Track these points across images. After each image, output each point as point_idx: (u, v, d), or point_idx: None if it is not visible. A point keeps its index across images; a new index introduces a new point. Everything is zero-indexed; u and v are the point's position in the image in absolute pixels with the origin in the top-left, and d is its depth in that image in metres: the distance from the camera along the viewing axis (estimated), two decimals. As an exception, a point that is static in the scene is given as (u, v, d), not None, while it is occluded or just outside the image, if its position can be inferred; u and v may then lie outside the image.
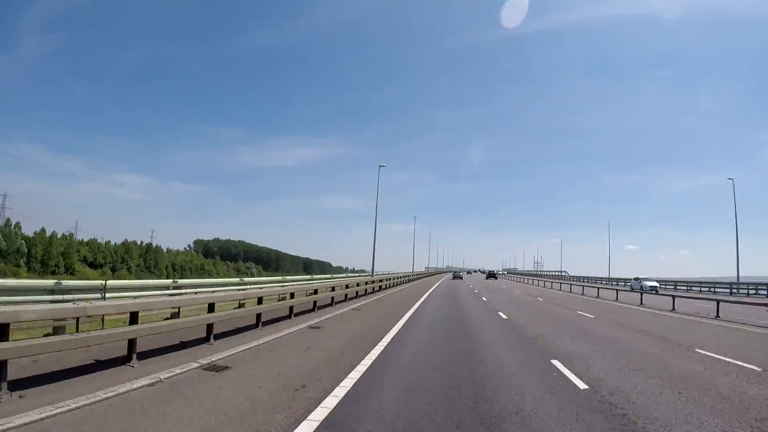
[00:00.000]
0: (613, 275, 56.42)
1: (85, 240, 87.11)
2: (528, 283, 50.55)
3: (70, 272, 70.13)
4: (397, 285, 30.31)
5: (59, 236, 78.89)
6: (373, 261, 28.01)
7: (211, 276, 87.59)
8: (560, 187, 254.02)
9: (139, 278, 54.80)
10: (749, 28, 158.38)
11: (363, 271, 27.13)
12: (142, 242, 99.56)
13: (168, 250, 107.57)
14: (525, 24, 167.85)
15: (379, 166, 24.08)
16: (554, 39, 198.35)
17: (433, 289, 29.64)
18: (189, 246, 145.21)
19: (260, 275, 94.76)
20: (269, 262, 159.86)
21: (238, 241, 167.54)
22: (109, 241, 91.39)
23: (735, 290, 29.93)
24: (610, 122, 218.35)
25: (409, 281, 38.25)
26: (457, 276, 61.77)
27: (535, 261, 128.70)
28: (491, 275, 68.90)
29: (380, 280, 24.89)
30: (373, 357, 6.41)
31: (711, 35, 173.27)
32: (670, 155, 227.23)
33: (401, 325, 10.07)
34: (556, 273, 79.67)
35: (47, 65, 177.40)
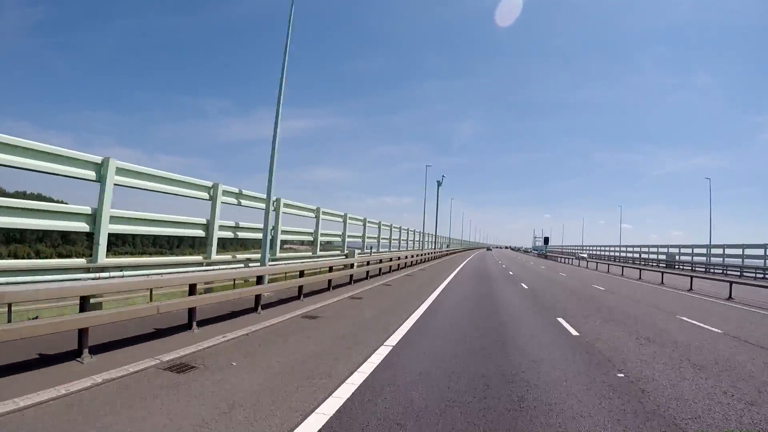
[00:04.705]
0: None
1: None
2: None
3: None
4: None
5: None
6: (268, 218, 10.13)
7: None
8: (552, 163, 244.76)
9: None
10: (754, 5, 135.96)
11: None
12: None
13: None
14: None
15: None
16: (552, 10, 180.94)
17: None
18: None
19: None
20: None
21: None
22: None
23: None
24: (605, 98, 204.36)
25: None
26: (488, 249, 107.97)
27: (535, 236, 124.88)
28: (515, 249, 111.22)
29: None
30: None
31: (714, 9, 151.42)
32: (665, 134, 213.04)
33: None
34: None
35: (30, 39, 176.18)
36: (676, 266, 34.81)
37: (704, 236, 35.48)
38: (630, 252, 49.95)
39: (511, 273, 22.79)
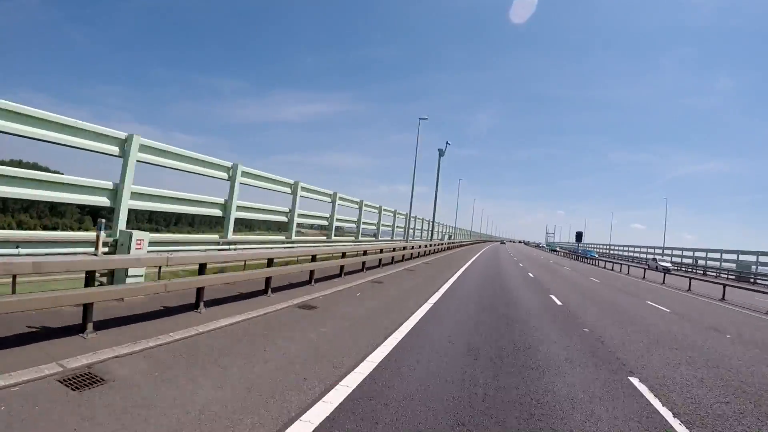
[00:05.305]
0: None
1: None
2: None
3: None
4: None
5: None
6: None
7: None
8: (567, 159, 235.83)
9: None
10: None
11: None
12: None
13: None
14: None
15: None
16: (570, 6, 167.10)
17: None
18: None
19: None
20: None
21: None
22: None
23: None
24: (624, 97, 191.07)
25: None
26: (502, 243, 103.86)
27: (548, 232, 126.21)
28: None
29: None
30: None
31: (739, 14, 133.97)
32: (682, 137, 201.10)
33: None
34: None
35: (48, 11, 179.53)
36: (752, 279, 26.62)
37: (715, 241, 27.13)
38: (678, 257, 41.48)
39: (558, 302, 10.83)
